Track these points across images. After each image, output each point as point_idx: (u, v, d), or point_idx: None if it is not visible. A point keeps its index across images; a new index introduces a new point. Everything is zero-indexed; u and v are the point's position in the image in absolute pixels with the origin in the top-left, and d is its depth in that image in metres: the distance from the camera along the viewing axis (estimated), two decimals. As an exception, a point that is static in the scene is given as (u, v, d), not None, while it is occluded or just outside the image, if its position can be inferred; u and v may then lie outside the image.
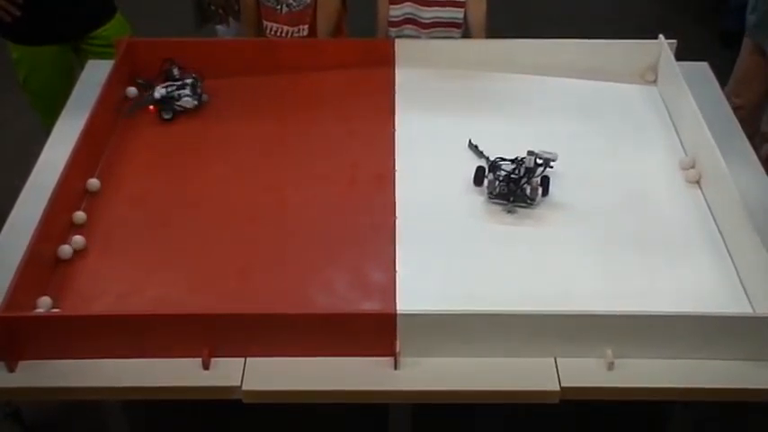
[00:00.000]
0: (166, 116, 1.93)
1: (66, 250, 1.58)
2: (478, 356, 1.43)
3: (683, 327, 1.41)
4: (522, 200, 1.68)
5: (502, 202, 1.69)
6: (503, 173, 1.69)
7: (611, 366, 1.41)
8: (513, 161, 1.72)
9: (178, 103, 1.93)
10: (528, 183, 1.67)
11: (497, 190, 1.68)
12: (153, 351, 1.42)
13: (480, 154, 1.79)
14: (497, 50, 2.05)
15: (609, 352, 1.42)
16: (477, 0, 2.13)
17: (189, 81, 1.95)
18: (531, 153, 1.71)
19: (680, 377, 1.41)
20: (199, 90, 1.95)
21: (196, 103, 1.94)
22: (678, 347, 1.42)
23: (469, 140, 1.83)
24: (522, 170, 1.69)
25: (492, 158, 1.75)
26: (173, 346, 1.42)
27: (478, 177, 1.73)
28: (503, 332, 1.41)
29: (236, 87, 2.03)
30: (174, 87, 1.94)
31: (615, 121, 1.94)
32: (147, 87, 1.97)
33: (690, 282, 1.55)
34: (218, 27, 2.52)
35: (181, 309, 1.45)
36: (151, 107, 1.94)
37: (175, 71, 1.97)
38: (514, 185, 1.67)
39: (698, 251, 1.62)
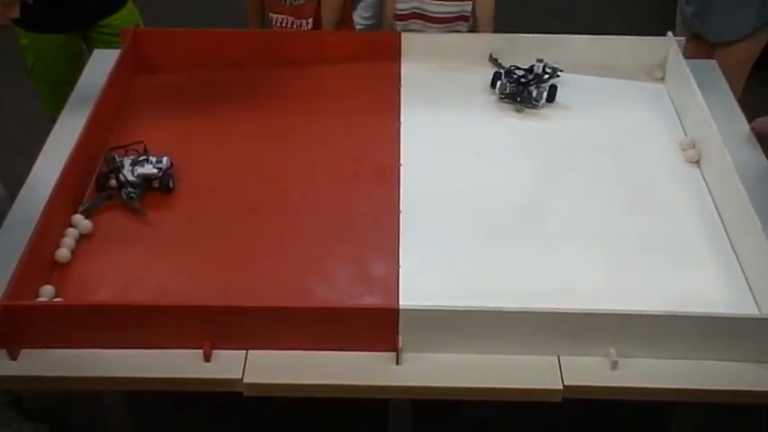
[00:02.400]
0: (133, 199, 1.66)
1: (68, 242, 1.58)
2: (481, 353, 1.42)
3: (688, 326, 1.40)
4: (529, 101, 1.91)
5: (510, 102, 1.92)
6: (514, 76, 1.92)
7: (614, 365, 1.41)
8: (525, 69, 1.95)
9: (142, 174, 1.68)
10: (536, 87, 1.90)
11: (507, 90, 1.91)
12: (154, 342, 1.42)
13: (499, 65, 2.00)
14: (504, 45, 2.04)
15: (612, 351, 1.41)
16: None
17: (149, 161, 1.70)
18: (539, 60, 1.94)
19: (684, 378, 1.41)
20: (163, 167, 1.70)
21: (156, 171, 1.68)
22: (682, 347, 1.41)
23: (490, 54, 2.02)
24: (532, 75, 1.92)
25: (507, 66, 1.97)
26: (174, 337, 1.42)
27: (494, 81, 1.94)
28: (506, 329, 1.41)
29: (239, 78, 2.02)
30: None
31: (621, 117, 1.93)
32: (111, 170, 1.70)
33: (695, 281, 1.55)
34: None
35: (182, 300, 1.45)
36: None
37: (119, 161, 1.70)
38: (523, 87, 1.91)
39: (704, 252, 1.61)
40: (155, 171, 1.68)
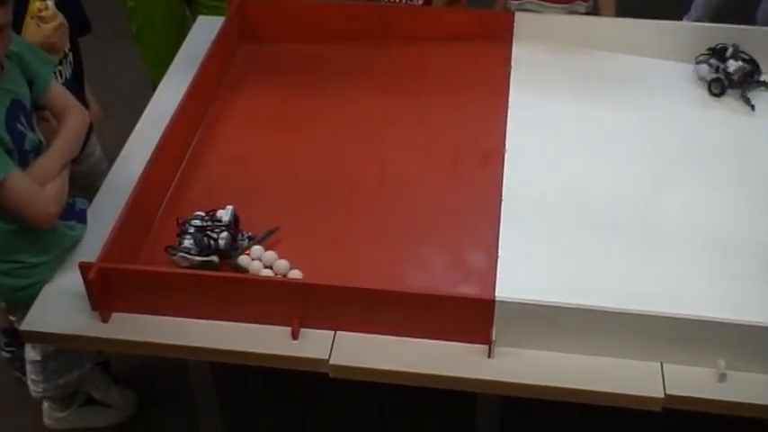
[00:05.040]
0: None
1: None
2: (578, 353, 1.40)
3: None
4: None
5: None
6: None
7: (722, 378, 1.36)
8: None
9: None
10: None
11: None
12: (242, 316, 1.44)
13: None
14: (625, 30, 1.99)
15: (721, 362, 1.36)
16: None
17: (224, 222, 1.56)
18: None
19: (799, 396, 1.35)
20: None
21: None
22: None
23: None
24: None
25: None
26: (263, 312, 1.43)
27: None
28: (607, 330, 1.38)
29: (344, 53, 2.03)
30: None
31: (748, 116, 1.86)
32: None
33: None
34: None
35: (275, 277, 1.47)
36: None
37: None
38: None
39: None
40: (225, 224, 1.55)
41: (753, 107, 1.85)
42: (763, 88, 1.89)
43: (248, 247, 1.55)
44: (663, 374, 1.37)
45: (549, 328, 1.39)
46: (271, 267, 1.53)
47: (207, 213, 1.57)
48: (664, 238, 1.58)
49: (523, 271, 1.51)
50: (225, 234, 1.53)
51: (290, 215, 1.63)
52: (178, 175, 1.72)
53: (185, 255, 1.50)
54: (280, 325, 1.43)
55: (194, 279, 1.44)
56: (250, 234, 1.57)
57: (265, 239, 1.57)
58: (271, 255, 1.54)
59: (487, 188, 1.67)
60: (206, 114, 1.86)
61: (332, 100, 1.91)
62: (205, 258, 1.51)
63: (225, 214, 1.56)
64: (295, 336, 1.43)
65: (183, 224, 1.55)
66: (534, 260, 1.54)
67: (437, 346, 1.42)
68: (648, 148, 1.78)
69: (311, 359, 1.41)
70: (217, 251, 1.52)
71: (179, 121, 1.71)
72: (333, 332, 1.44)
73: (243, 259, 1.53)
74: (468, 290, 1.49)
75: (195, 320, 1.45)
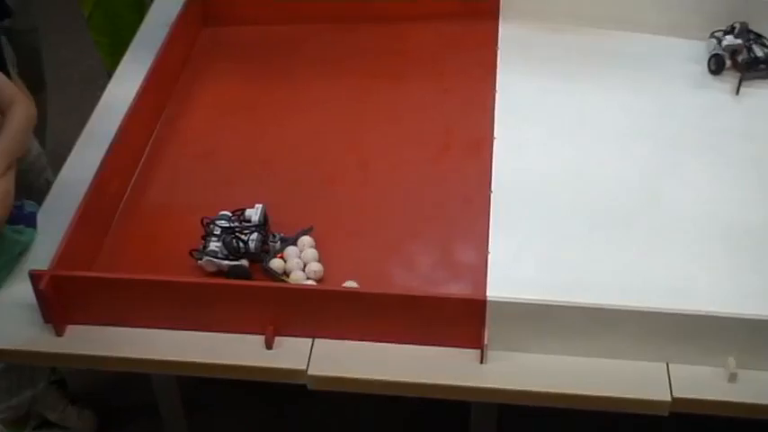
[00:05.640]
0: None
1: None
2: (577, 355, 1.40)
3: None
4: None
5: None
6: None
7: (732, 378, 1.37)
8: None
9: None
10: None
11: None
12: (211, 324, 1.44)
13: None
14: (621, 4, 2.00)
15: (731, 361, 1.37)
16: None
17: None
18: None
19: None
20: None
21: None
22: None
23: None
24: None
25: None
26: (234, 319, 1.43)
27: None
28: (608, 329, 1.38)
29: (318, 35, 2.03)
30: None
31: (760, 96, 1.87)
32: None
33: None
34: None
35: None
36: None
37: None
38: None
39: None
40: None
41: (737, 92, 1.85)
42: None
43: (281, 250, 1.53)
44: (669, 376, 1.38)
45: (546, 329, 1.39)
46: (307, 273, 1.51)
47: (233, 213, 1.56)
48: (668, 229, 1.59)
49: (516, 267, 1.51)
50: (255, 235, 1.52)
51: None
52: (137, 171, 1.72)
53: (212, 259, 1.49)
54: (252, 333, 1.42)
55: (157, 285, 1.43)
56: (282, 235, 1.56)
57: (299, 240, 1.55)
58: (312, 252, 1.51)
59: (477, 178, 1.67)
60: (167, 105, 1.85)
61: (306, 86, 1.91)
62: (234, 263, 1.49)
63: (254, 213, 1.55)
64: (269, 344, 1.42)
65: (209, 225, 1.54)
66: (528, 255, 1.54)
67: (425, 351, 1.42)
68: (650, 132, 1.78)
69: (288, 370, 1.41)
70: (247, 254, 1.51)
71: (137, 113, 1.70)
72: (311, 340, 1.43)
73: (276, 263, 1.52)
74: (457, 289, 1.49)
75: (159, 331, 1.44)
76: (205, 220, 1.55)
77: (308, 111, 1.85)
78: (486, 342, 1.39)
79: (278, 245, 1.54)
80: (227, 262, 1.50)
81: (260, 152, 1.77)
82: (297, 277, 1.50)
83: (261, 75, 1.94)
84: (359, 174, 1.72)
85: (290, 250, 1.53)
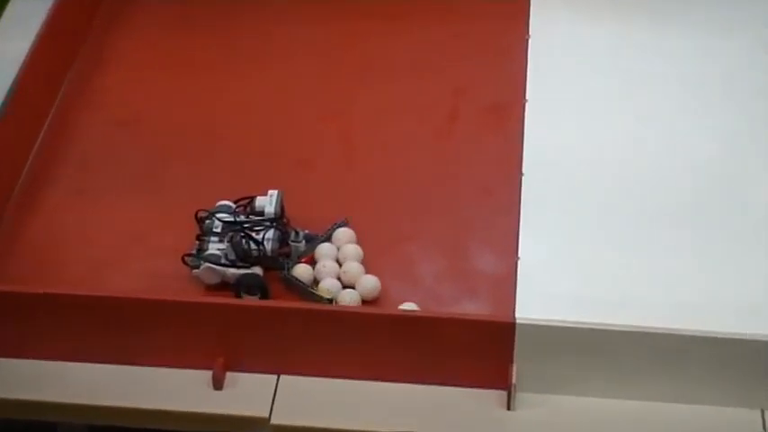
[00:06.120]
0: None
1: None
2: (634, 398, 1.41)
3: None
4: None
5: None
6: None
7: None
8: None
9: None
10: None
11: None
12: (140, 355, 1.44)
13: None
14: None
15: None
16: None
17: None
18: None
19: None
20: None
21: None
22: None
23: None
24: None
25: None
26: (170, 348, 1.43)
27: None
28: (676, 362, 1.38)
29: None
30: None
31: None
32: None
33: None
34: None
35: (184, 293, 1.47)
36: None
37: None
38: None
39: None
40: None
41: None
42: None
43: (306, 253, 1.53)
44: (766, 427, 1.38)
45: (591, 362, 1.40)
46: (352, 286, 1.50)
47: (237, 202, 1.56)
48: (747, 232, 1.59)
49: (553, 279, 1.51)
50: (271, 233, 1.52)
51: (207, 198, 1.61)
52: (37, 143, 1.73)
53: (213, 266, 1.49)
54: (196, 368, 1.42)
55: (63, 302, 1.42)
56: (307, 232, 1.56)
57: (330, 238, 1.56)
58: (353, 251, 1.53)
59: (501, 157, 1.69)
60: (75, 61, 1.87)
61: (267, 31, 1.93)
62: (245, 271, 1.49)
63: (267, 203, 1.55)
64: (218, 383, 1.41)
65: (206, 220, 1.54)
66: (568, 262, 1.54)
67: (430, 393, 1.42)
68: (736, 97, 1.80)
69: (244, 417, 1.40)
70: (262, 259, 1.51)
71: (33, 70, 1.72)
72: (275, 376, 1.43)
73: (301, 270, 1.51)
74: (474, 308, 1.50)
75: (67, 364, 1.44)
76: (200, 213, 1.55)
77: (269, 65, 1.87)
78: (513, 381, 1.39)
79: (302, 245, 1.54)
80: (234, 270, 1.49)
81: (204, 122, 1.78)
82: (328, 286, 1.49)
83: (203, 16, 1.96)
84: (340, 151, 1.73)
85: (324, 249, 1.52)
